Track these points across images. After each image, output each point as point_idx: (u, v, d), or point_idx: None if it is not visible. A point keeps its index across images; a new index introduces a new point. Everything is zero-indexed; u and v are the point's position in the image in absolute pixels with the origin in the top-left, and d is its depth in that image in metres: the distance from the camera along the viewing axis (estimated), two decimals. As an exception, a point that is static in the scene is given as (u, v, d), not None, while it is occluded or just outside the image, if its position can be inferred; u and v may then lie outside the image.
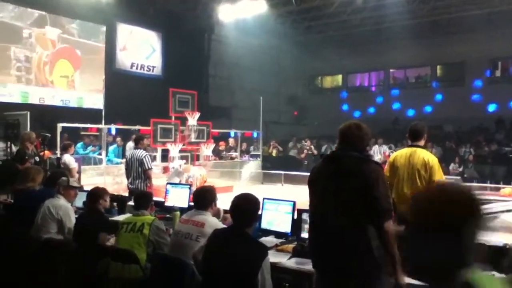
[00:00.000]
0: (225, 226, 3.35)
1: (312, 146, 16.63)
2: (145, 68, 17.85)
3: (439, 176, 4.24)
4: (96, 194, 4.35)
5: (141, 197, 4.24)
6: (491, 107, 17.77)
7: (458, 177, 12.57)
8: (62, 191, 4.53)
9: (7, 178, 5.58)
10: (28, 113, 9.68)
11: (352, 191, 2.62)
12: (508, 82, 18.18)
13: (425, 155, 4.28)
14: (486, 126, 17.49)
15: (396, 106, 20.45)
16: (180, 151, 11.03)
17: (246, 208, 2.97)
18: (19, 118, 8.58)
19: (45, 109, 13.90)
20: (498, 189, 11.55)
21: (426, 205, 1.26)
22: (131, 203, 5.01)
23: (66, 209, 4.40)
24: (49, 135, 7.91)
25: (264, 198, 4.13)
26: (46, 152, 7.66)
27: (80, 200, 5.22)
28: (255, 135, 16.05)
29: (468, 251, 1.19)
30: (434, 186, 1.43)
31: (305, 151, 16.57)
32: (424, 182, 4.21)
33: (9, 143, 6.93)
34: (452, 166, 14.07)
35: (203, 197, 3.68)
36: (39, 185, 5.10)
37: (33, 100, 14.28)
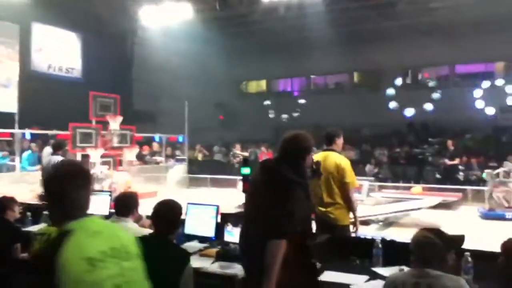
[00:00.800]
0: (145, 233, 3.31)
1: (244, 153, 16.54)
2: (64, 70, 17.03)
3: (351, 178, 4.52)
4: (2, 204, 4.10)
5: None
6: (407, 112, 18.93)
7: (373, 178, 13.33)
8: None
9: None
10: None
11: (262, 203, 2.69)
12: (419, 89, 19.52)
13: (337, 158, 4.54)
14: (400, 130, 18.68)
15: (317, 111, 21.12)
16: (102, 156, 10.66)
17: (169, 214, 2.96)
18: None
19: None
20: (409, 188, 12.41)
21: None
22: (46, 212, 4.77)
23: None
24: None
25: (188, 203, 4.13)
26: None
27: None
28: (180, 139, 15.90)
29: None
30: None
31: (238, 158, 16.49)
32: (337, 184, 4.46)
33: None
34: (368, 167, 14.87)
35: (125, 203, 3.60)
36: None
37: None
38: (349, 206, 4.48)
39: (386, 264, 3.30)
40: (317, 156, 4.54)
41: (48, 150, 10.40)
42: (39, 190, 7.39)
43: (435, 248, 2.30)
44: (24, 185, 10.53)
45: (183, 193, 13.05)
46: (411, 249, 2.38)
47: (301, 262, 2.61)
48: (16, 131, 11.24)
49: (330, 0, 15.28)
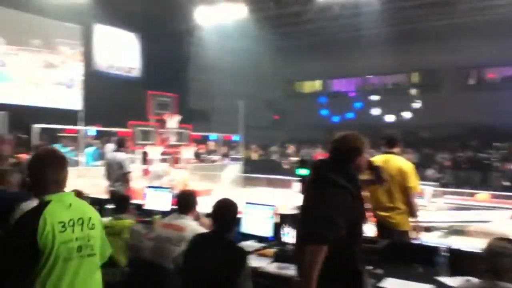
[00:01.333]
0: (204, 230, 3.34)
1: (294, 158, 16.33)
2: (124, 70, 17.67)
3: (414, 182, 4.32)
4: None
5: (121, 201, 4.20)
6: (468, 114, 18.11)
7: (436, 183, 12.79)
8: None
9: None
10: (7, 113, 9.49)
11: (306, 205, 2.63)
12: (483, 90, 18.60)
13: (399, 162, 4.36)
14: (462, 133, 17.87)
15: (375, 112, 20.69)
16: (160, 153, 10.96)
17: (226, 213, 3.00)
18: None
19: (21, 109, 13.62)
20: (474, 194, 11.81)
21: None
22: (110, 206, 4.94)
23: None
24: (26, 136, 7.76)
25: (246, 203, 4.14)
26: (23, 154, 7.51)
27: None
28: (235, 138, 16.04)
29: None
30: None
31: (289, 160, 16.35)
32: (399, 188, 4.27)
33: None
34: (429, 172, 14.32)
35: (186, 201, 3.67)
36: (14, 187, 4.98)
37: (9, 100, 13.98)
38: (411, 211, 4.31)
39: (451, 273, 3.14)
40: (377, 159, 4.40)
41: (111, 146, 10.84)
42: (102, 184, 7.68)
43: (510, 259, 2.15)
44: (87, 180, 11.02)
45: (237, 192, 13.15)
46: (483, 259, 2.24)
47: (343, 269, 2.48)
48: (81, 128, 11.76)
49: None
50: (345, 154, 2.61)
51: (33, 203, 4.25)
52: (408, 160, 4.57)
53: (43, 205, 2.15)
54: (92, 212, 2.35)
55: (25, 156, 7.71)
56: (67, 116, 13.19)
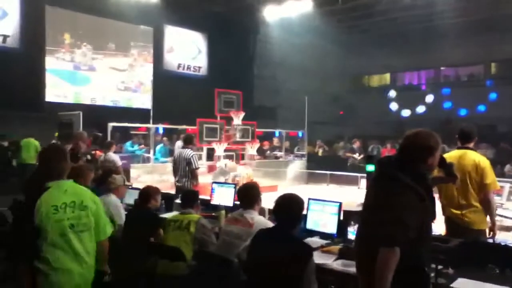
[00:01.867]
0: (270, 225, 3.33)
1: (354, 154, 15.87)
2: (192, 69, 18.20)
3: (491, 178, 4.05)
4: (148, 193, 4.44)
5: (188, 196, 4.30)
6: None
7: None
8: (113, 189, 4.66)
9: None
10: (81, 113, 10.06)
11: (373, 205, 2.53)
12: None
13: (476, 157, 4.11)
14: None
15: (447, 105, 19.75)
16: (225, 150, 11.14)
17: (290, 208, 2.96)
18: (72, 118, 8.96)
19: (96, 109, 14.44)
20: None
21: None
22: (178, 201, 5.09)
23: (116, 206, 4.53)
24: (101, 134, 8.16)
25: (309, 199, 4.09)
26: (97, 151, 7.92)
27: (129, 197, 5.37)
28: (300, 134, 15.94)
29: None
30: None
31: (352, 158, 15.88)
32: (475, 185, 4.04)
33: (63, 141, 7.21)
34: (507, 168, 13.41)
35: (248, 194, 3.68)
36: (90, 183, 5.27)
37: (85, 100, 14.88)
38: (488, 209, 4.05)
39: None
40: (451, 154, 4.16)
41: (179, 143, 11.18)
42: (170, 180, 7.93)
43: None
44: (157, 175, 11.46)
45: (302, 188, 13.07)
46: None
47: (409, 269, 2.37)
48: (151, 126, 12.22)
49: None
50: (417, 153, 2.48)
51: (110, 197, 4.52)
52: (484, 156, 4.31)
53: (43, 191, 2.75)
54: (85, 196, 2.85)
55: (99, 153, 8.15)
56: (140, 114, 13.79)
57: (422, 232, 2.41)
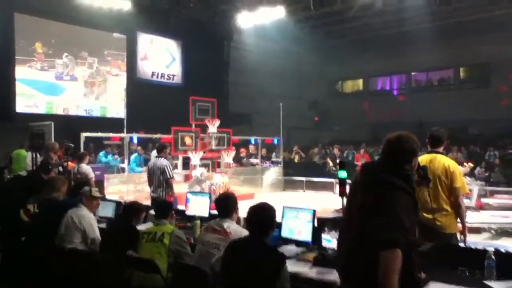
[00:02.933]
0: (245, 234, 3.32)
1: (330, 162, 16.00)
2: (166, 77, 18.07)
3: (461, 182, 4.14)
4: (133, 210, 4.39)
5: (162, 207, 4.25)
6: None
7: (483, 182, 12.25)
8: (85, 201, 4.58)
9: (33, 188, 5.68)
10: (52, 123, 9.87)
11: (364, 210, 2.46)
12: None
13: (445, 161, 4.19)
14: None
15: (419, 109, 20.13)
16: (201, 158, 11.09)
17: (261, 217, 2.97)
18: (43, 129, 8.77)
19: (69, 119, 14.18)
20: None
21: None
22: (152, 212, 5.03)
23: (89, 219, 4.45)
24: (72, 145, 8.02)
25: (284, 207, 4.10)
26: (70, 162, 7.78)
27: (103, 209, 5.29)
28: (275, 141, 16.01)
29: None
30: None
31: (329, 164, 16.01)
32: (445, 189, 4.12)
33: (34, 153, 7.06)
34: (477, 170, 13.75)
35: (226, 204, 3.67)
36: (63, 195, 5.18)
37: (58, 110, 14.61)
38: (458, 212, 4.13)
39: (500, 277, 3.00)
40: (422, 158, 4.22)
41: (155, 153, 11.08)
42: (146, 190, 7.85)
43: None
44: (131, 186, 11.33)
45: (279, 195, 13.11)
46: None
47: (403, 276, 2.32)
48: (125, 135, 12.07)
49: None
50: (402, 156, 2.51)
51: (82, 210, 4.45)
52: (455, 159, 4.40)
53: None
54: None
55: (72, 164, 8.00)
56: (114, 124, 13.59)
57: (414, 234, 2.44)
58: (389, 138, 2.60)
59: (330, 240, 3.62)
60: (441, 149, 4.36)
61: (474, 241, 4.61)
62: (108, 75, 16.09)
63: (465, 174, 7.47)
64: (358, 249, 2.43)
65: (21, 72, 13.95)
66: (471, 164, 10.34)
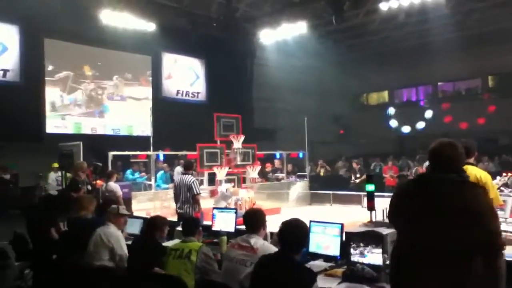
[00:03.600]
0: (274, 250, 3.28)
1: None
2: (190, 95, 18.31)
3: (493, 193, 4.01)
4: (154, 224, 4.40)
5: (189, 223, 4.25)
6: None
7: (517, 192, 11.85)
8: (112, 219, 4.63)
9: (63, 207, 5.79)
10: (81, 143, 10.09)
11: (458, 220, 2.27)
12: None
13: (477, 172, 4.08)
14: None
15: (446, 120, 19.79)
16: (227, 174, 11.12)
17: (294, 234, 2.94)
18: (73, 149, 8.98)
19: (97, 138, 14.48)
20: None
21: None
22: (179, 228, 5.04)
23: (117, 237, 4.49)
24: (100, 164, 8.17)
25: (310, 221, 4.04)
26: (98, 181, 7.91)
27: (131, 226, 5.33)
28: (300, 155, 15.93)
29: None
30: None
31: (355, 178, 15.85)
32: None
33: (63, 172, 7.22)
34: (511, 180, 13.32)
35: (255, 220, 3.64)
36: (91, 213, 5.26)
37: (86, 130, 14.95)
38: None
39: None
40: None
41: (179, 169, 11.17)
42: (172, 206, 7.90)
43: None
44: (158, 202, 11.43)
45: (305, 210, 12.99)
46: None
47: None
48: (151, 153, 12.23)
49: (455, 2, 14.28)
50: (459, 159, 2.47)
51: (110, 228, 4.50)
52: (485, 170, 4.28)
53: None
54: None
55: (100, 183, 8.13)
56: (140, 142, 13.82)
57: None
58: (442, 144, 2.51)
59: (358, 254, 3.53)
60: (471, 160, 4.26)
61: (509, 253, 4.43)
62: (134, 95, 16.42)
63: (503, 185, 7.26)
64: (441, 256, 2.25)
65: (50, 94, 14.39)
66: (510, 174, 10.01)
